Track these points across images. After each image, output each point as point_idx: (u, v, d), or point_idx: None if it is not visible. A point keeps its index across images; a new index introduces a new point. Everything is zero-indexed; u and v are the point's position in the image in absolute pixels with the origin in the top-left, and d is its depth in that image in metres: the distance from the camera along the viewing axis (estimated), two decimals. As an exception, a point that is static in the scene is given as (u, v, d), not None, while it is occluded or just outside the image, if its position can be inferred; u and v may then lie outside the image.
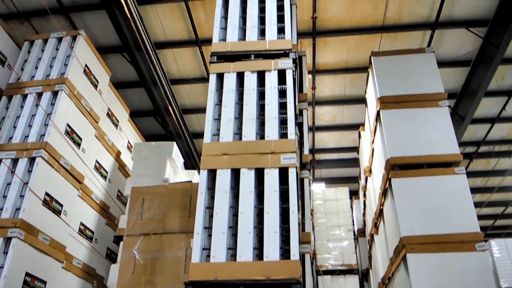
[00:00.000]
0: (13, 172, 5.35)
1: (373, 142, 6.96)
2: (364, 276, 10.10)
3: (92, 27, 8.70)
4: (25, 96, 6.05)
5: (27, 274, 4.98)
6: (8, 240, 4.91)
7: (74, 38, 6.49)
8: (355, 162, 11.73)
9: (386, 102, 6.07)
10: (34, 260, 5.13)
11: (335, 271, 9.91)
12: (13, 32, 6.73)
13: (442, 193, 5.26)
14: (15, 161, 5.48)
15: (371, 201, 7.81)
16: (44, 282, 5.25)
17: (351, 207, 11.15)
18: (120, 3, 7.23)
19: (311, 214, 9.88)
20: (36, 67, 6.33)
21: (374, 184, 7.20)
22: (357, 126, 10.13)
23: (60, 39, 6.49)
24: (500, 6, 7.89)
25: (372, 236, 8.02)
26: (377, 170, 6.78)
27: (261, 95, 4.44)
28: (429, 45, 8.82)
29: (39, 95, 5.99)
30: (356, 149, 10.42)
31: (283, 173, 3.96)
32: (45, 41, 6.53)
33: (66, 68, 6.17)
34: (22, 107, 5.99)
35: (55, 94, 5.97)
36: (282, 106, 4.38)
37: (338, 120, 11.46)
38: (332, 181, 13.79)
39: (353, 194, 11.72)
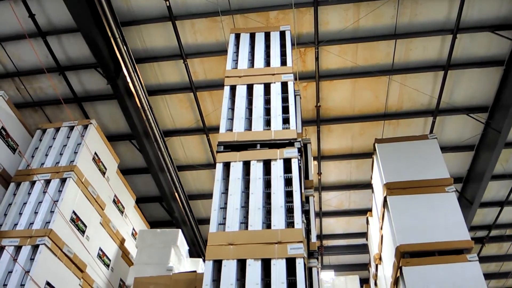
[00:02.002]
0: (15, 260, 5.28)
1: (381, 228, 6.85)
2: None
3: (103, 116, 9.02)
4: (33, 183, 6.12)
5: None
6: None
7: (85, 127, 6.71)
8: (364, 248, 11.44)
9: (392, 188, 6.07)
10: None
11: None
12: (26, 120, 6.99)
13: (456, 281, 5.09)
14: (18, 249, 5.43)
15: (383, 290, 7.52)
16: None
17: (362, 296, 10.68)
18: (132, 94, 7.55)
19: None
20: (46, 155, 6.49)
21: (385, 272, 6.97)
22: (364, 211, 10.02)
23: (71, 128, 6.71)
24: (499, 92, 8.15)
25: (386, 329, 7.60)
26: (387, 257, 6.61)
27: (267, 184, 4.47)
28: (431, 131, 8.98)
29: (47, 182, 6.07)
30: (364, 234, 10.22)
31: (291, 263, 3.87)
32: (57, 130, 6.75)
33: (76, 156, 6.31)
34: (29, 193, 6.05)
35: (63, 181, 6.05)
36: (288, 195, 4.39)
37: (345, 206, 11.37)
38: (341, 268, 13.35)
39: (364, 282, 11.27)
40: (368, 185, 9.07)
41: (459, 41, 7.64)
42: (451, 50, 7.71)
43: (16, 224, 5.75)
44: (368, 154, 8.76)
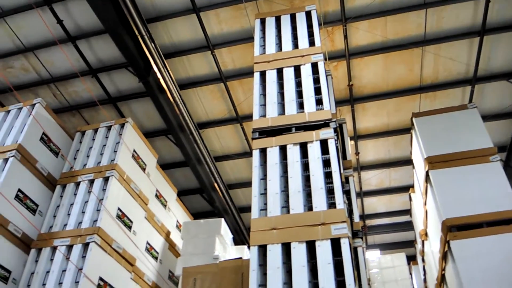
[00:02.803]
0: (68, 259, 5.48)
1: (425, 204, 6.72)
2: None
3: (138, 114, 9.19)
4: (78, 184, 6.32)
5: None
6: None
7: (122, 125, 6.85)
8: (408, 225, 11.27)
9: (434, 162, 5.92)
10: None
11: None
12: (65, 124, 7.20)
13: (506, 252, 4.93)
14: (69, 248, 5.63)
15: (431, 266, 7.40)
16: None
17: (410, 274, 10.55)
18: (164, 90, 7.65)
19: (368, 284, 9.42)
20: (88, 156, 6.67)
21: (432, 247, 6.85)
22: (406, 188, 9.85)
23: (109, 128, 6.87)
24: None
25: (437, 304, 7.50)
26: (433, 232, 6.48)
27: (305, 167, 4.46)
28: (470, 100, 8.70)
29: (91, 182, 6.25)
30: (408, 212, 10.06)
31: (335, 244, 3.86)
32: (95, 131, 6.93)
33: (116, 155, 6.47)
34: (75, 194, 6.25)
35: (106, 180, 6.21)
36: (327, 176, 4.36)
37: (386, 184, 11.21)
38: (386, 247, 13.23)
39: (411, 259, 11.14)
40: (408, 162, 8.90)
41: (493, 4, 7.32)
42: (486, 15, 7.40)
43: (65, 225, 5.96)
44: (406, 130, 8.58)
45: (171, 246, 7.63)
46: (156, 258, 7.07)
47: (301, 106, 4.94)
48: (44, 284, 5.41)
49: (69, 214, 6.05)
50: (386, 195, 11.52)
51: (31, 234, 5.81)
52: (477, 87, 8.54)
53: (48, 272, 5.50)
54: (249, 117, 9.00)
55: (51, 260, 5.60)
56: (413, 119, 6.58)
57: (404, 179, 10.81)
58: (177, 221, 8.21)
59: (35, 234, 5.85)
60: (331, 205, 4.16)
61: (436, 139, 6.21)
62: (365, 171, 10.70)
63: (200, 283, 4.96)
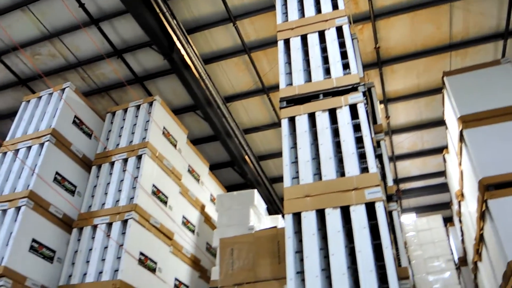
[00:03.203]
0: (109, 236, 5.67)
1: (460, 164, 6.58)
2: (473, 308, 9.28)
3: (166, 91, 9.27)
4: (112, 164, 6.48)
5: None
6: (109, 302, 5.15)
7: (150, 104, 6.93)
8: (444, 187, 11.11)
9: (467, 121, 5.76)
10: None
11: (441, 306, 9.23)
12: (96, 106, 7.33)
13: (549, 209, 4.82)
14: (109, 225, 5.81)
15: (468, 226, 7.30)
16: None
17: (447, 235, 10.45)
18: (188, 66, 7.66)
19: (405, 247, 9.40)
20: (120, 135, 6.80)
21: (469, 208, 6.75)
22: (440, 150, 9.68)
23: (138, 107, 6.96)
24: None
25: (475, 263, 7.42)
26: (469, 193, 6.37)
27: (335, 133, 4.42)
28: (503, 55, 8.36)
29: (125, 161, 6.39)
30: (443, 173, 9.90)
31: (370, 208, 3.85)
32: (125, 111, 7.04)
33: (147, 133, 6.57)
34: (110, 174, 6.41)
35: (139, 158, 6.34)
36: (358, 141, 4.31)
37: (419, 146, 11.02)
38: (422, 210, 13.12)
39: (447, 221, 11.01)
40: (440, 122, 8.71)
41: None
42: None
43: (103, 204, 6.14)
44: (437, 90, 8.37)
45: (207, 219, 7.78)
46: (193, 231, 7.24)
47: (327, 72, 4.86)
48: (88, 261, 5.64)
49: (106, 193, 6.22)
50: (419, 158, 11.36)
51: (71, 215, 6.02)
52: (510, 41, 8.19)
53: (90, 249, 5.72)
54: (275, 87, 8.95)
55: (93, 238, 5.81)
56: (444, 78, 6.39)
57: (437, 141, 10.60)
58: (211, 195, 8.34)
59: (76, 214, 6.06)
60: (364, 169, 4.13)
61: (469, 97, 6.02)
62: (396, 134, 10.54)
63: (237, 252, 5.05)
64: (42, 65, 8.91)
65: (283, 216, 7.86)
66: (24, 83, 9.28)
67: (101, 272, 5.43)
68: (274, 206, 10.87)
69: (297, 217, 3.99)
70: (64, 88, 6.53)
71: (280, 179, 11.12)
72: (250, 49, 8.49)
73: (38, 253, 5.56)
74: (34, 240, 5.51)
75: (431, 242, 10.13)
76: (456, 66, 8.64)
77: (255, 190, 7.03)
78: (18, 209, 5.55)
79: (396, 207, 5.55)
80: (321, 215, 3.95)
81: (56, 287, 5.58)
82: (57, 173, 6.01)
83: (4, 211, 5.66)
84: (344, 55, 4.92)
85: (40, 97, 6.71)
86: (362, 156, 4.21)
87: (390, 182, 5.60)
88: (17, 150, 6.17)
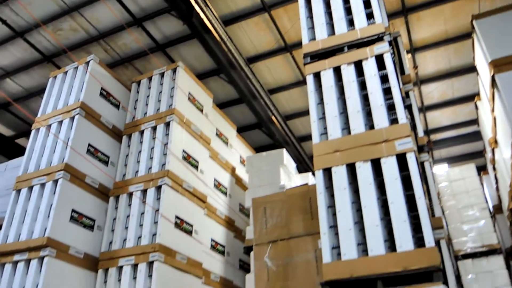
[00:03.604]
0: (145, 202, 5.83)
1: (493, 110, 6.40)
2: (509, 255, 9.23)
3: (188, 57, 9.23)
4: (142, 132, 6.58)
5: (174, 293, 5.39)
6: (150, 264, 5.34)
7: (174, 70, 6.93)
8: (476, 136, 10.88)
9: (500, 65, 5.55)
10: (176, 280, 5.52)
11: (475, 253, 9.19)
12: (121, 77, 7.39)
13: None
14: (144, 192, 5.96)
15: (503, 173, 7.17)
16: (189, 299, 5.64)
17: (481, 184, 10.30)
18: (209, 29, 7.58)
19: (438, 198, 9.33)
20: (146, 104, 6.87)
21: (503, 154, 6.60)
22: (471, 97, 9.41)
23: (162, 74, 6.98)
24: None
25: (511, 210, 7.34)
26: (503, 139, 6.21)
27: (362, 85, 4.34)
28: (537, -8, 7.91)
29: (154, 128, 6.47)
30: (475, 121, 9.65)
31: (401, 160, 3.81)
32: (150, 79, 7.07)
33: (173, 100, 6.61)
34: (141, 142, 6.52)
35: (167, 125, 6.41)
36: (386, 92, 4.23)
37: (449, 95, 10.73)
38: (454, 160, 12.90)
39: (481, 169, 10.83)
40: (471, 69, 8.43)
41: None
42: None
43: (137, 172, 6.28)
44: (467, 35, 8.05)
45: (238, 180, 7.89)
46: (225, 193, 7.36)
47: (351, 23, 4.73)
48: (126, 227, 5.83)
49: (138, 162, 6.35)
50: (450, 107, 11.07)
51: (107, 184, 6.20)
52: (544, -24, 7.73)
53: (128, 216, 5.90)
54: (298, 44, 8.78)
55: (129, 205, 5.99)
56: (474, 21, 6.13)
57: (468, 88, 10.29)
58: (240, 157, 8.42)
59: (111, 183, 6.24)
60: (393, 121, 4.07)
61: (501, 41, 5.78)
62: (425, 84, 10.27)
63: (270, 211, 5.13)
64: (64, 40, 8.98)
65: (313, 174, 7.87)
66: (49, 60, 9.40)
67: (140, 237, 5.63)
68: (304, 165, 10.90)
69: (327, 172, 4.00)
70: (89, 61, 6.59)
71: (308, 137, 11.08)
72: (270, 6, 8.30)
73: (79, 222, 5.78)
74: (73, 211, 5.72)
75: (464, 191, 10.00)
76: (486, 9, 8.20)
77: (284, 150, 7.05)
78: (55, 182, 5.75)
79: (427, 158, 5.47)
80: (351, 169, 3.94)
81: (98, 253, 5.82)
82: (89, 145, 6.15)
83: (43, 184, 5.87)
84: (367, 4, 4.77)
85: (66, 72, 6.80)
86: (390, 108, 4.14)
87: (420, 133, 5.50)
88: (49, 126, 6.33)
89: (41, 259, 5.37)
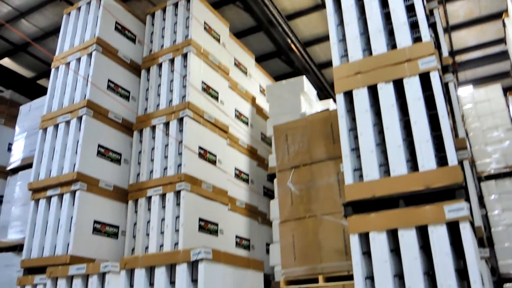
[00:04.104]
0: (168, 135, 5.92)
1: (522, 25, 6.10)
2: (532, 175, 9.20)
3: (202, -15, 8.91)
4: (160, 65, 6.53)
5: (200, 219, 5.59)
6: (178, 193, 5.52)
7: (188, 0, 6.73)
8: (503, 56, 10.48)
9: (531, -25, 5.22)
10: (203, 207, 5.72)
11: (499, 174, 9.19)
12: (134, 10, 7.23)
13: None
14: (166, 125, 6.04)
15: (531, 92, 6.96)
16: (216, 224, 5.86)
17: (507, 105, 10.06)
18: (221, -48, 7.25)
19: (462, 121, 9.20)
20: (162, 36, 6.76)
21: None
22: (499, 15, 8.95)
23: (176, 5, 6.80)
24: None
25: (538, 130, 7.21)
26: (532, 55, 5.98)
27: (384, 3, 4.15)
28: None
29: (172, 61, 6.41)
30: (502, 40, 9.26)
31: (425, 79, 3.72)
32: (164, 10, 6.90)
33: (188, 30, 6.48)
34: (160, 76, 6.50)
35: (184, 56, 6.34)
36: (409, 9, 4.05)
37: (475, 13, 10.20)
38: (479, 82, 12.53)
39: (507, 90, 10.53)
40: (500, -18, 7.94)
41: None
42: None
43: (158, 105, 6.32)
44: None
45: (258, 110, 7.88)
46: (246, 123, 7.40)
47: None
48: (152, 160, 5.98)
49: (159, 95, 6.36)
50: (477, 26, 10.57)
51: (130, 119, 6.30)
52: None
53: (153, 149, 6.03)
54: (315, -35, 8.37)
55: (153, 138, 6.09)
56: None
57: (496, 4, 9.74)
58: (260, 86, 8.35)
59: (133, 118, 6.33)
60: (416, 39, 3.93)
61: None
62: (451, 2, 9.76)
63: (292, 138, 5.16)
64: (75, -26, 8.75)
65: (334, 100, 7.80)
66: (61, -4, 9.23)
67: (165, 168, 5.77)
68: (325, 92, 10.77)
69: (348, 95, 3.95)
70: (101, -5, 6.45)
71: (328, 64, 10.84)
72: None
73: (106, 157, 5.95)
74: (100, 146, 5.87)
75: (489, 113, 9.83)
76: None
77: (304, 76, 6.94)
78: (79, 119, 5.87)
79: (452, 78, 5.32)
80: (373, 91, 3.88)
81: (127, 186, 6.03)
82: (109, 80, 6.18)
83: (68, 122, 6.00)
84: None
85: (79, 8, 6.68)
86: (414, 25, 3.98)
87: (445, 53, 5.32)
88: (68, 63, 6.34)
89: (73, 193, 5.61)
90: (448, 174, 3.36)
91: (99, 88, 5.95)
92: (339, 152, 3.92)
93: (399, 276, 3.36)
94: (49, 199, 5.88)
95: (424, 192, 3.39)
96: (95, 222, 5.60)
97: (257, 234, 6.92)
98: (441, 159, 3.53)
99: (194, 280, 4.14)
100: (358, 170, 3.73)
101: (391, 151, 3.59)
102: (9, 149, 7.94)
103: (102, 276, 4.77)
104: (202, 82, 6.33)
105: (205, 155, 6.00)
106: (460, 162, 4.65)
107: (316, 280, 4.50)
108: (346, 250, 4.38)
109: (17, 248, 6.36)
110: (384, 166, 3.67)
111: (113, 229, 5.79)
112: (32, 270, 5.64)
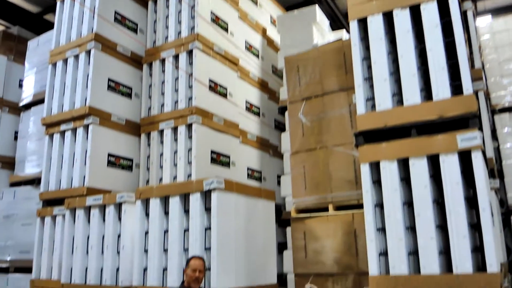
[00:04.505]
0: (177, 67, 5.85)
1: None
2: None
3: None
4: (168, -2, 6.34)
5: (212, 152, 5.66)
6: (189, 126, 5.54)
7: None
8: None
9: None
10: (215, 139, 5.76)
11: (514, 107, 9.04)
12: None
13: None
14: (176, 57, 5.94)
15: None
16: (228, 156, 5.93)
17: (527, 36, 9.68)
18: None
19: (479, 52, 8.93)
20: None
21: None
22: None
23: None
24: None
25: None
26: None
27: None
28: None
29: (179, -10, 6.21)
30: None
31: (442, 5, 3.56)
32: None
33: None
34: (167, 6, 6.30)
35: (192, -13, 6.12)
36: None
37: None
38: (498, 12, 12.01)
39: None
40: None
41: None
42: None
43: (167, 37, 6.18)
44: None
45: (269, 42, 7.69)
46: (257, 56, 7.26)
47: None
48: (162, 93, 5.95)
49: (167, 27, 6.20)
50: (499, -50, 9.99)
51: (138, 52, 6.23)
52: None
53: (163, 82, 5.98)
54: None
55: (163, 71, 6.01)
56: None
57: None
58: (271, 17, 8.09)
59: (142, 51, 6.25)
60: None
61: None
62: None
63: (303, 69, 5.06)
64: None
65: (347, 31, 7.59)
66: None
67: (176, 102, 5.76)
68: (337, 23, 10.41)
69: (362, 23, 3.83)
70: None
71: (341, -6, 10.42)
72: None
73: (116, 91, 5.94)
74: (110, 80, 5.85)
75: (508, 43, 9.47)
76: None
77: (316, 5, 6.70)
78: (88, 52, 5.82)
79: (470, 6, 5.12)
80: (388, 18, 3.74)
81: (139, 119, 6.06)
82: (116, 12, 6.04)
83: (76, 56, 5.96)
84: None
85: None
86: None
87: (464, -22, 5.06)
88: (73, -5, 6.19)
89: (86, 127, 5.67)
90: (463, 103, 3.31)
91: (106, 20, 5.83)
92: (352, 82, 3.86)
93: (408, 204, 3.41)
94: (63, 133, 5.96)
95: (437, 121, 3.36)
96: (109, 155, 5.70)
97: (268, 166, 7.02)
98: (456, 88, 3.47)
99: (207, 209, 4.27)
100: (370, 100, 3.68)
101: (405, 79, 3.51)
102: (20, 86, 7.96)
103: (119, 206, 4.93)
104: (211, 12, 6.15)
105: (215, 88, 5.95)
106: (475, 93, 4.58)
107: (326, 209, 4.59)
108: (356, 180, 4.43)
109: (34, 181, 6.55)
110: (397, 95, 3.61)
111: (127, 162, 5.90)
112: (50, 202, 5.85)
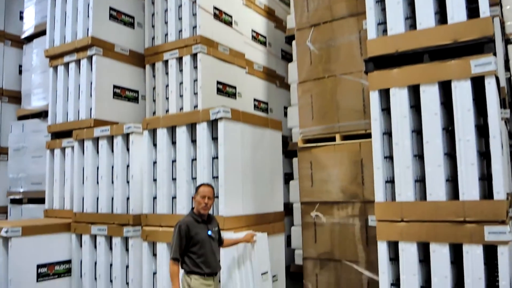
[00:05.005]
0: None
1: None
2: None
3: None
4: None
5: (218, 82, 5.57)
6: (194, 56, 5.42)
7: None
8: None
9: None
10: (221, 70, 5.64)
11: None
12: None
13: None
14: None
15: None
16: (234, 87, 5.84)
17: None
18: None
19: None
20: None
21: None
22: None
23: None
24: None
25: None
26: None
27: None
28: None
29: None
30: None
31: None
32: None
33: None
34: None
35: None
36: None
37: None
38: None
39: None
40: None
41: None
42: None
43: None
44: None
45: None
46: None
47: None
48: (166, 22, 5.78)
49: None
50: None
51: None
52: None
53: (166, 10, 5.78)
54: None
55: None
56: None
57: None
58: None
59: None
60: None
61: None
62: None
63: None
64: None
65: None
66: None
67: (180, 31, 5.59)
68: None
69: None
70: None
71: None
72: None
73: (118, 20, 5.79)
74: (111, 9, 5.72)
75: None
76: None
77: None
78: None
79: None
80: None
81: (143, 50, 5.93)
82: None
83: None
84: None
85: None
86: None
87: None
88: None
89: (90, 58, 5.58)
90: (478, 26, 3.15)
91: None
92: (362, 7, 3.68)
93: (417, 131, 3.37)
94: (67, 65, 5.87)
95: (451, 46, 3.22)
96: (115, 87, 5.64)
97: (275, 97, 6.94)
98: (472, 11, 3.30)
99: (214, 138, 4.27)
100: (382, 24, 3.53)
101: (419, 1, 3.34)
102: (21, 18, 7.76)
103: (126, 137, 4.94)
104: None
105: (220, 15, 5.75)
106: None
107: (333, 139, 4.57)
108: (364, 109, 4.36)
109: (42, 114, 6.56)
110: (411, 19, 3.45)
111: (133, 93, 5.85)
112: (58, 134, 5.89)
